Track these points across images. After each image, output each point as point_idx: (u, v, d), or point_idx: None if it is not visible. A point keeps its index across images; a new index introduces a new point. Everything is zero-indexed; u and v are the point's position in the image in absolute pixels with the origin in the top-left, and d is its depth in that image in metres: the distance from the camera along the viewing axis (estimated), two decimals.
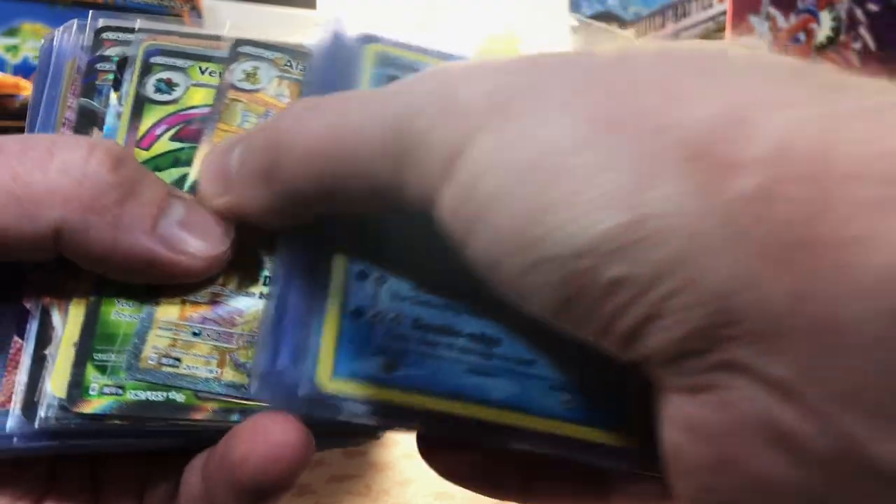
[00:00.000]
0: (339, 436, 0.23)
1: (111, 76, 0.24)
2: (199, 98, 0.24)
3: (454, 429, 0.21)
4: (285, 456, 0.20)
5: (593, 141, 0.16)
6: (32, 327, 0.22)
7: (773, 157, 0.15)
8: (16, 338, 0.22)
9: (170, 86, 0.24)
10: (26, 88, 0.43)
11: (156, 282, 0.22)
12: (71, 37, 0.24)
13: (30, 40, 0.48)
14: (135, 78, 0.24)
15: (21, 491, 0.22)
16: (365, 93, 0.22)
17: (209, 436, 0.21)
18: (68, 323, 0.21)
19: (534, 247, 0.17)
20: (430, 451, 0.24)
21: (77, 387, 0.21)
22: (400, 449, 0.47)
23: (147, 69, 0.24)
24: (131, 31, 0.24)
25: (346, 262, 0.22)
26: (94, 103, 0.24)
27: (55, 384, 0.21)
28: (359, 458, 0.47)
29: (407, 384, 0.21)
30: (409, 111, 0.19)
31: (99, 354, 0.21)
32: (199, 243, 0.22)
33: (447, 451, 0.24)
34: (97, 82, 0.24)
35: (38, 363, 0.21)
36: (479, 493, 0.25)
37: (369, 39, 0.24)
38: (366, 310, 0.21)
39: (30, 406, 0.21)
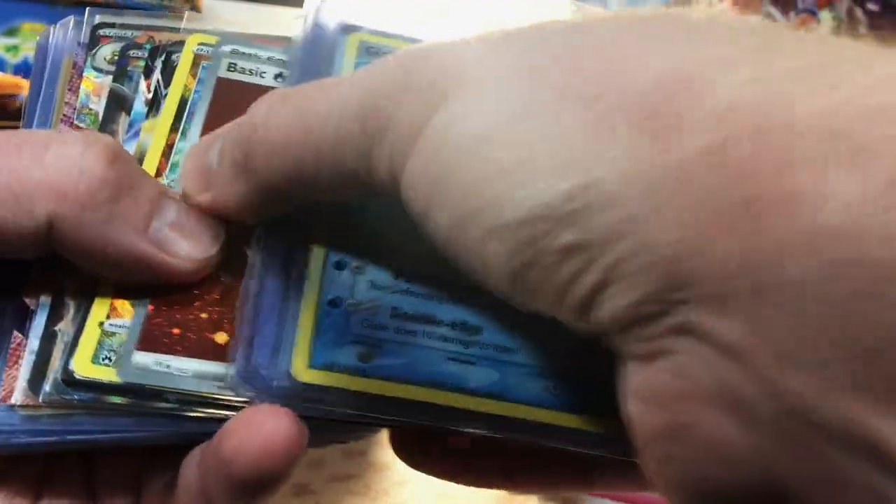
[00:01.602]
0: (337, 431, 0.23)
1: (143, 63, 0.24)
2: None
3: (433, 418, 0.21)
4: (278, 448, 0.19)
5: (544, 107, 0.16)
6: (44, 307, 0.22)
7: (721, 116, 0.15)
8: (16, 333, 0.22)
9: None
10: (26, 88, 0.43)
11: (146, 282, 0.22)
12: (67, 33, 0.24)
13: (30, 40, 0.48)
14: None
15: (17, 488, 0.22)
16: (332, 80, 0.22)
17: (206, 429, 0.21)
18: (94, 305, 0.21)
19: (486, 215, 0.17)
20: (403, 443, 0.24)
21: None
22: None
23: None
24: (128, 27, 0.25)
25: (323, 252, 0.22)
26: (125, 88, 0.24)
27: (79, 363, 0.21)
28: (359, 458, 0.47)
29: (385, 373, 0.21)
30: (372, 94, 0.19)
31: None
32: (189, 246, 0.22)
33: (422, 443, 0.24)
34: (129, 68, 0.24)
35: (49, 339, 0.21)
36: (459, 483, 0.25)
37: (351, 28, 0.24)
38: (343, 300, 0.21)
39: (38, 381, 0.21)
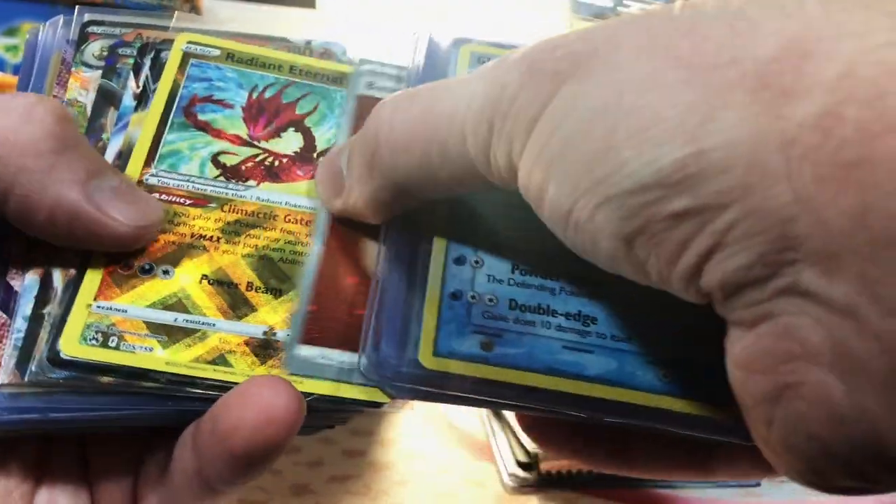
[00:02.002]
0: (325, 413, 0.23)
1: (132, 60, 0.25)
2: None
3: (552, 403, 0.21)
4: (277, 418, 0.20)
5: (661, 79, 0.17)
6: (31, 288, 0.22)
7: (835, 83, 0.15)
8: (0, 313, 0.22)
9: None
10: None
11: (82, 245, 0.22)
12: (57, 31, 0.25)
13: None
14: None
15: (17, 476, 0.23)
16: (452, 79, 0.22)
17: (194, 408, 0.21)
18: (83, 286, 0.22)
19: (601, 184, 0.17)
20: (530, 421, 0.25)
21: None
22: (400, 449, 0.47)
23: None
24: (117, 24, 0.25)
25: (444, 247, 0.23)
26: (114, 84, 0.25)
27: (66, 343, 0.21)
28: (359, 458, 0.47)
29: (505, 361, 0.22)
30: (494, 87, 0.19)
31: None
32: (128, 211, 0.22)
33: (547, 422, 0.25)
34: (118, 65, 0.25)
35: (37, 321, 0.22)
36: (579, 462, 0.25)
37: (463, 41, 0.26)
38: (463, 293, 0.23)
39: (24, 361, 0.21)
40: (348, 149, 0.23)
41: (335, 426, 0.25)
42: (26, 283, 0.22)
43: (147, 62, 0.25)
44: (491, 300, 0.22)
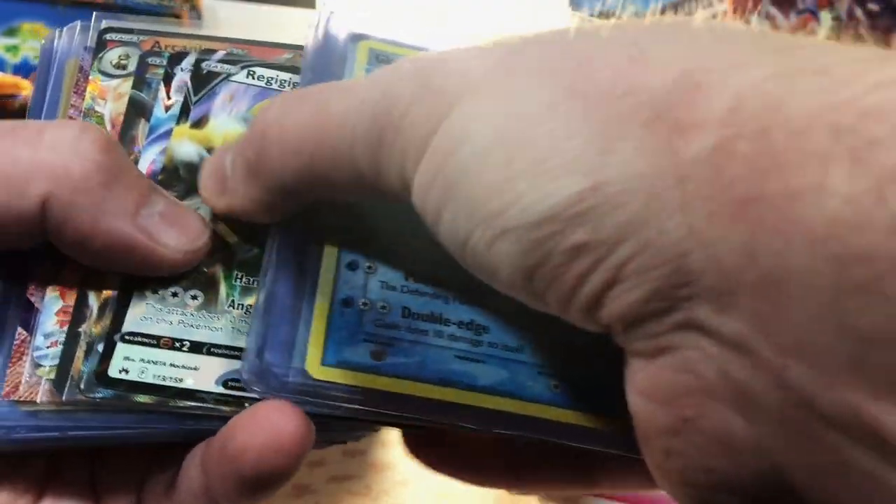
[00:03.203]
0: (338, 431, 0.23)
1: (161, 71, 0.25)
2: None
3: (444, 415, 0.21)
4: (286, 444, 0.20)
5: (557, 109, 0.16)
6: (51, 305, 0.22)
7: (727, 116, 0.15)
8: (20, 329, 0.22)
9: None
10: (26, 88, 0.43)
11: (131, 271, 0.22)
12: (74, 37, 0.24)
13: (30, 40, 0.48)
14: None
15: (21, 487, 0.22)
16: (346, 83, 0.22)
17: (209, 427, 0.21)
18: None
19: (499, 217, 0.17)
20: (415, 443, 0.25)
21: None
22: (400, 449, 0.47)
23: None
24: (134, 32, 0.25)
25: (336, 253, 0.22)
26: (144, 95, 0.24)
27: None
28: (359, 458, 0.47)
29: (396, 371, 0.21)
30: (386, 97, 0.19)
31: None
32: (178, 236, 0.22)
33: (432, 443, 0.24)
34: (147, 75, 0.25)
35: (72, 340, 0.22)
36: (467, 482, 0.25)
37: (361, 37, 0.25)
38: (355, 299, 0.22)
39: (63, 380, 0.21)
40: (235, 147, 0.22)
41: (347, 442, 0.25)
42: (46, 301, 0.22)
43: (182, 72, 0.25)
44: (383, 307, 0.22)
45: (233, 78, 0.25)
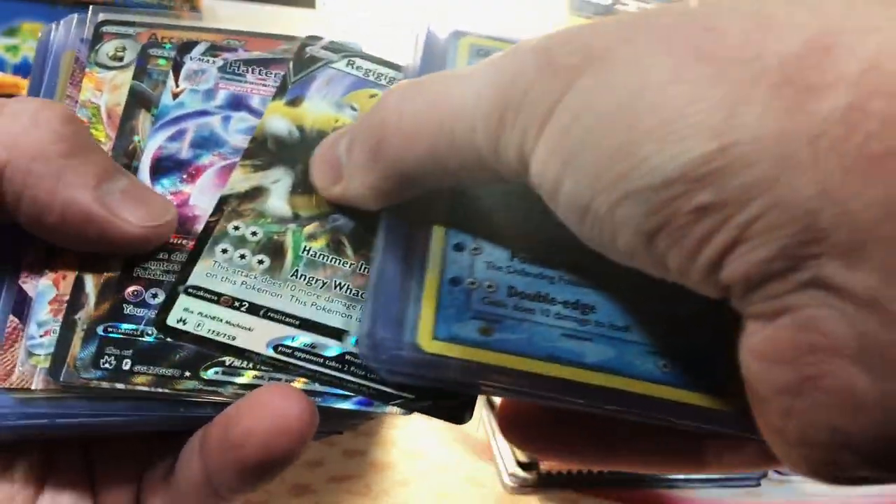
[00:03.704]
0: (339, 417, 0.23)
1: (162, 61, 0.25)
2: None
3: (551, 390, 0.22)
4: (293, 426, 0.20)
5: (684, 74, 0.17)
6: (45, 294, 0.22)
7: (861, 77, 0.15)
8: (12, 317, 0.22)
9: None
10: (26, 88, 0.43)
11: (92, 248, 0.22)
12: (71, 30, 0.25)
13: (30, 40, 0.48)
14: None
15: (20, 481, 0.22)
16: (461, 69, 0.22)
17: (203, 414, 0.21)
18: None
19: (623, 180, 0.17)
20: (508, 422, 0.25)
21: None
22: (400, 449, 0.47)
23: None
24: (131, 24, 0.25)
25: (443, 234, 0.23)
26: (145, 86, 0.25)
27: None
28: (359, 458, 0.47)
29: (505, 347, 0.22)
30: (506, 79, 0.19)
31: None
32: (139, 212, 0.22)
33: (524, 423, 0.25)
34: (148, 66, 0.25)
35: (69, 326, 0.22)
36: (558, 460, 0.25)
37: (462, 34, 0.26)
38: (463, 279, 0.23)
39: (58, 365, 0.21)
40: (348, 136, 0.23)
41: (343, 432, 0.25)
42: (40, 289, 0.22)
43: (192, 61, 0.25)
44: (490, 287, 0.23)
45: (333, 65, 0.26)
